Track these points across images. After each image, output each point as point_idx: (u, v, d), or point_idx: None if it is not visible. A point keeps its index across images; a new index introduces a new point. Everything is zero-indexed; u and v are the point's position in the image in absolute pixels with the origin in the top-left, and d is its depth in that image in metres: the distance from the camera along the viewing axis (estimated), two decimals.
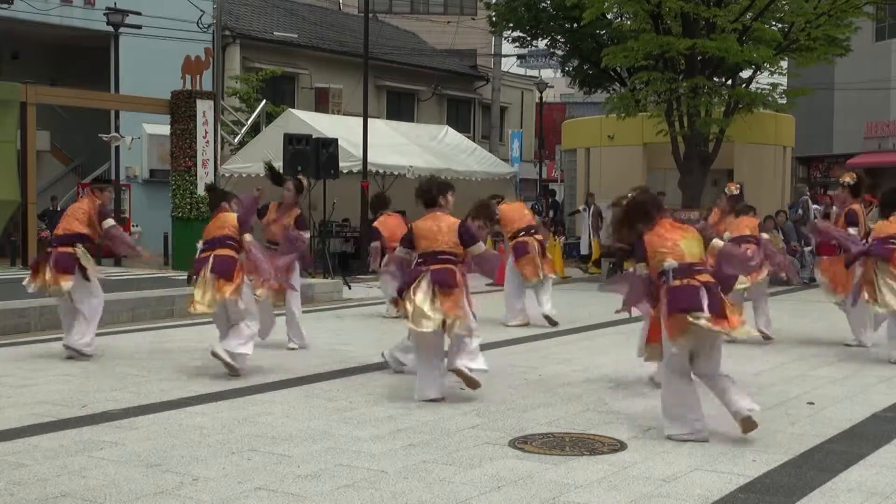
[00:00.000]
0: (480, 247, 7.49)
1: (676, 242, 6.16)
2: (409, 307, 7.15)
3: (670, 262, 6.10)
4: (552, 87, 45.02)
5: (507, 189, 22.30)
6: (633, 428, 6.39)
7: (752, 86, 21.75)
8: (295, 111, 22.09)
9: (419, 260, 7.37)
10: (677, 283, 6.05)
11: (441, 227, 7.38)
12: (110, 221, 9.47)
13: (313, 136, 17.75)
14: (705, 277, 6.08)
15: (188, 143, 18.18)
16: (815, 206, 23.53)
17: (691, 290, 5.99)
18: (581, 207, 22.09)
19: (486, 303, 11.79)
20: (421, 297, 7.13)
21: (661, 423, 6.28)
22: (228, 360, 8.04)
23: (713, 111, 19.74)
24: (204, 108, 18.31)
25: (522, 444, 5.99)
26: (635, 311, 6.87)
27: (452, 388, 7.75)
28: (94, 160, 28.35)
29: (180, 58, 18.98)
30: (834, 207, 23.25)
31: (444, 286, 7.16)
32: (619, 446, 5.94)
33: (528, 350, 9.87)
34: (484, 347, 9.90)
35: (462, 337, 7.28)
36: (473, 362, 7.36)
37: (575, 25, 22.80)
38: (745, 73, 21.79)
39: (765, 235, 10.66)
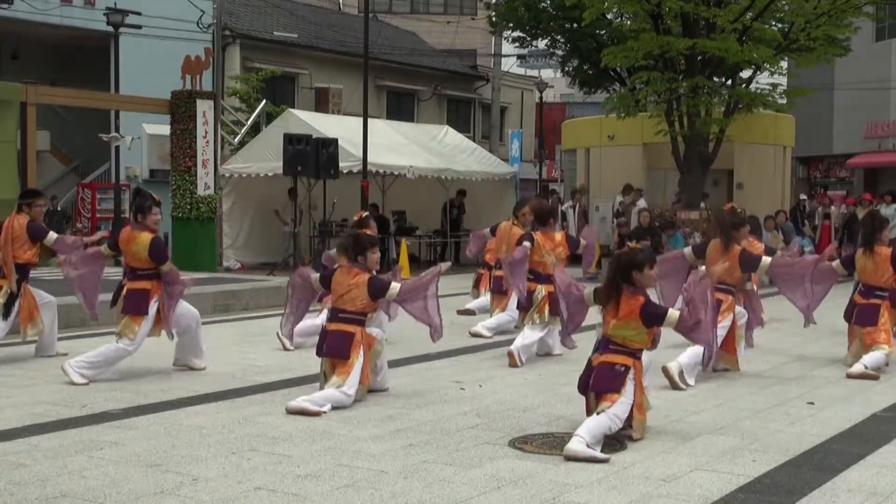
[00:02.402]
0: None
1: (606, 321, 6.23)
2: None
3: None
4: (552, 87, 45.02)
5: (507, 189, 22.31)
6: None
7: (752, 86, 21.75)
8: (295, 111, 22.07)
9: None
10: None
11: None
12: (52, 235, 9.15)
13: (313, 136, 17.73)
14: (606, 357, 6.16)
15: (188, 143, 18.15)
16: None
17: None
18: (567, 205, 21.58)
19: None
20: None
21: (661, 424, 6.29)
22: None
23: (713, 111, 19.74)
24: (204, 108, 18.27)
25: (522, 444, 5.99)
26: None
27: (453, 388, 7.76)
28: (94, 160, 28.38)
29: (180, 58, 18.95)
30: (833, 207, 23.32)
31: None
32: (618, 446, 5.94)
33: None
34: (484, 347, 9.93)
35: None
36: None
37: (575, 25, 22.81)
38: (745, 73, 21.79)
39: None
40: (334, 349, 7.14)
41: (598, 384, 6.10)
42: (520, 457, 5.71)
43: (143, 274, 8.20)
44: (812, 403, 7.26)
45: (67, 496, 4.91)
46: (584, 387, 6.21)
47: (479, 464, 5.54)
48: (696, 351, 7.62)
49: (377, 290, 7.22)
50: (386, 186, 21.41)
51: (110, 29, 24.63)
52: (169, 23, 24.93)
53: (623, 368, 6.07)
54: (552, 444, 6.00)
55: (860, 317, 8.84)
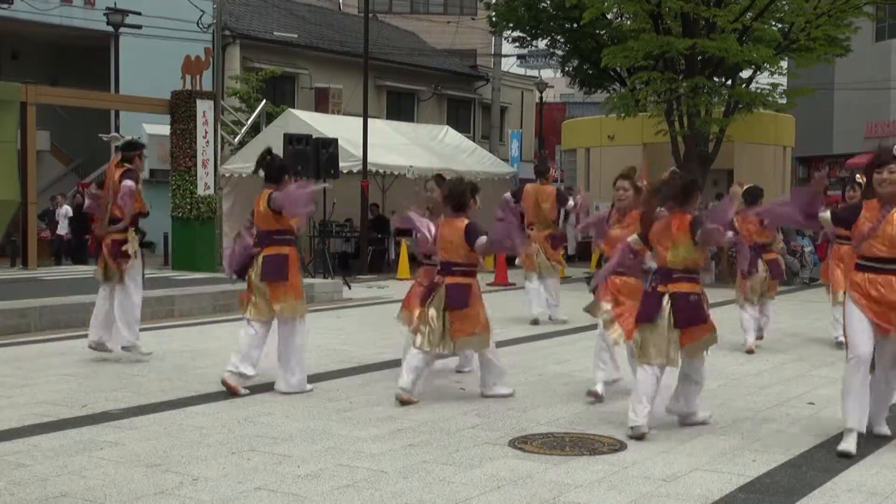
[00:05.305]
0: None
1: (667, 247, 6.20)
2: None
3: (651, 265, 6.33)
4: (552, 87, 45.04)
5: (507, 189, 22.29)
6: None
7: (752, 86, 21.74)
8: (295, 111, 22.09)
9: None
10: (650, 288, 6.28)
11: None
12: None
13: (313, 136, 17.75)
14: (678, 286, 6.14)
15: (188, 143, 18.18)
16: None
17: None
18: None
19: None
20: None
21: (661, 423, 6.29)
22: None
23: (713, 111, 19.74)
24: (204, 108, 18.30)
25: (522, 444, 5.99)
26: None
27: (453, 388, 7.76)
28: (94, 160, 28.36)
29: (180, 58, 18.98)
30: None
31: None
32: (619, 446, 5.94)
33: (528, 350, 9.87)
34: None
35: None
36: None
37: (575, 25, 22.79)
38: (745, 73, 21.79)
39: None
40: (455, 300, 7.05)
41: (682, 318, 6.10)
42: (520, 457, 5.71)
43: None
44: (812, 403, 7.26)
45: (67, 496, 4.91)
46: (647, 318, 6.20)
47: (479, 464, 5.54)
48: None
49: (472, 235, 7.07)
50: (386, 186, 21.42)
51: (110, 29, 24.65)
52: (169, 23, 24.92)
53: (695, 297, 6.15)
54: (552, 444, 6.00)
55: None
